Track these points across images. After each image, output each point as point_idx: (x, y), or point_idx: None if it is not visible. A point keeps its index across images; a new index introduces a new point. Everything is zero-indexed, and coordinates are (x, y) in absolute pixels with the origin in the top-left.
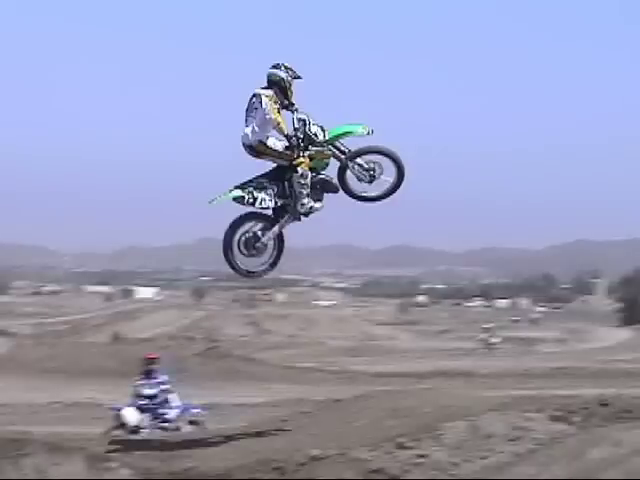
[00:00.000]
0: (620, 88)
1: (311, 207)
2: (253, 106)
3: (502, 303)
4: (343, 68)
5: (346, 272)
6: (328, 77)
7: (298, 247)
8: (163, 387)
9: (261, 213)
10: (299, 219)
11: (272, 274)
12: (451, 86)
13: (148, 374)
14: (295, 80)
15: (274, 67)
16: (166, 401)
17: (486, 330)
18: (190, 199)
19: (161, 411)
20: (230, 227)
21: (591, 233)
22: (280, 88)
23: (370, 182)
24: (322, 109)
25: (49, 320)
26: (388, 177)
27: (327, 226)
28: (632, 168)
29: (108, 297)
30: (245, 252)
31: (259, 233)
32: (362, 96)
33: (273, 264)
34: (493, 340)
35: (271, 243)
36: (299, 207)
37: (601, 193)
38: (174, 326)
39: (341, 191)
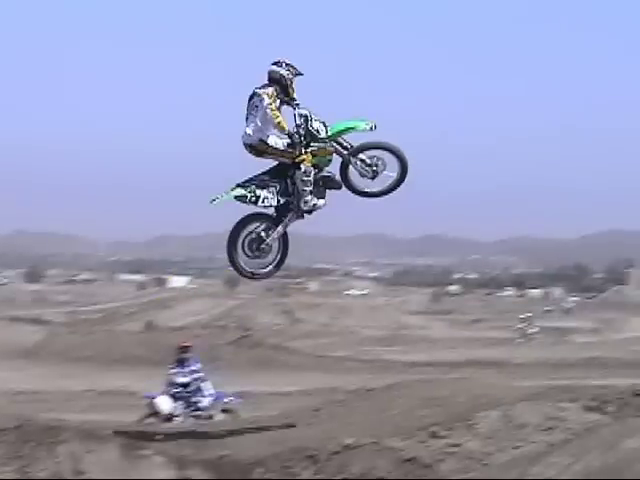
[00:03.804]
0: None
1: (314, 204)
2: (253, 105)
3: (534, 293)
4: (345, 62)
5: (379, 261)
6: (330, 71)
7: (331, 236)
8: (196, 375)
9: (264, 213)
10: (302, 217)
11: (305, 263)
12: (469, 72)
13: (181, 362)
14: (296, 77)
15: (275, 64)
16: (199, 389)
17: (523, 320)
18: (222, 187)
19: (194, 399)
20: (235, 228)
21: (625, 222)
22: (281, 85)
23: (373, 178)
24: (324, 104)
25: (82, 308)
26: (391, 172)
27: (360, 215)
28: None
29: (141, 286)
30: (249, 254)
31: (263, 234)
32: (363, 90)
33: (278, 265)
34: (531, 330)
35: (276, 244)
36: (302, 204)
37: (635, 181)
38: (207, 315)
39: (344, 187)
